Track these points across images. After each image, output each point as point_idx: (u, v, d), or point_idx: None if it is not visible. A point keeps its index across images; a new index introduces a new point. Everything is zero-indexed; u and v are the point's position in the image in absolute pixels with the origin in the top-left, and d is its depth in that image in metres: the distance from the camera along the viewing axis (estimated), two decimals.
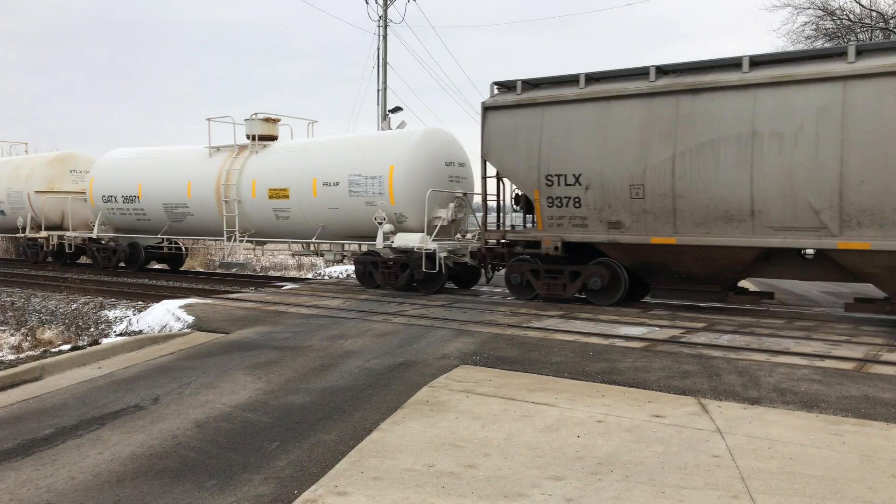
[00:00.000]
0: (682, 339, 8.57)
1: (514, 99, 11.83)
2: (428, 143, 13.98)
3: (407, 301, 12.25)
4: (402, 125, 15.59)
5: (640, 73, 10.88)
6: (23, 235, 22.39)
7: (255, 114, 16.44)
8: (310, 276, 20.98)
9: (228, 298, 12.85)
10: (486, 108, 12.11)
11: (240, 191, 16.07)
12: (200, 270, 23.68)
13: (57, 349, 9.31)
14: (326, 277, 19.49)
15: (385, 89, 30.56)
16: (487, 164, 12.34)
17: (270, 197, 15.58)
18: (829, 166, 9.45)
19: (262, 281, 18.36)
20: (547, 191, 11.53)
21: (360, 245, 15.00)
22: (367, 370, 7.38)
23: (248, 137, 16.59)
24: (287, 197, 15.32)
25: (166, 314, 11.06)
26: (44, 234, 21.72)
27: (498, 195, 13.00)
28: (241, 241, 16.55)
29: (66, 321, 12.39)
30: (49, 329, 11.30)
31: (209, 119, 17.02)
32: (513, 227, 13.45)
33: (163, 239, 18.67)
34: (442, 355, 7.89)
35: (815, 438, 5.16)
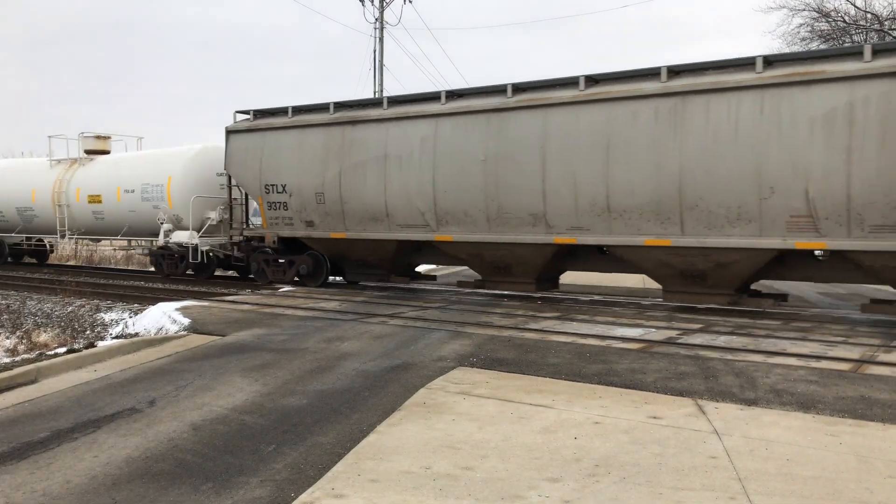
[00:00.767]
0: (679, 341, 8.57)
1: (246, 125, 15.07)
2: (203, 157, 17.35)
3: (403, 303, 12.26)
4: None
5: (322, 108, 14.10)
6: None
7: (83, 132, 20.64)
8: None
9: (225, 301, 12.84)
10: (229, 132, 15.28)
11: (68, 196, 19.97)
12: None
13: (53, 352, 9.25)
14: None
15: (381, 91, 30.61)
16: (231, 176, 15.79)
17: (90, 202, 19.40)
18: (428, 181, 12.60)
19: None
20: (267, 197, 14.73)
21: (153, 241, 18.47)
22: (363, 372, 7.37)
23: (85, 152, 20.35)
24: (101, 202, 19.13)
25: (162, 316, 11.02)
26: None
27: (239, 201, 16.46)
28: (72, 238, 20.62)
29: (62, 324, 12.34)
30: (45, 332, 11.23)
31: (50, 136, 21.25)
32: (252, 226, 16.65)
33: (23, 237, 22.47)
34: (439, 357, 7.88)
35: (812, 439, 5.16)
